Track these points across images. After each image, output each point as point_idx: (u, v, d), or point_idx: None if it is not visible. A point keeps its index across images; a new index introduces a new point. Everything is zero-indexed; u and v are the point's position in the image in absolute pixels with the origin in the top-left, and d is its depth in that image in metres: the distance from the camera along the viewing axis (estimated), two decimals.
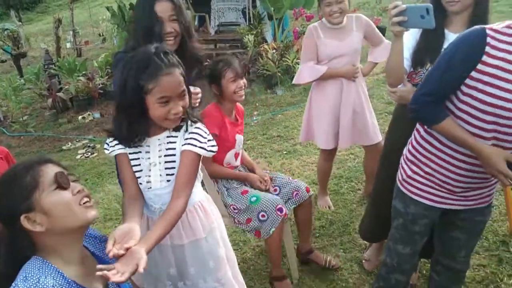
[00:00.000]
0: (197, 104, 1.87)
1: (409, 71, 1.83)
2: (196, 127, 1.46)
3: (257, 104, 5.52)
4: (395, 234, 1.76)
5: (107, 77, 6.46)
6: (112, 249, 1.16)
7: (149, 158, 1.46)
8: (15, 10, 14.80)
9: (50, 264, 1.10)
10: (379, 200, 2.24)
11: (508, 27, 1.29)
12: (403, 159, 1.68)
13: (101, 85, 6.29)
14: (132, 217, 1.37)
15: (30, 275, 1.05)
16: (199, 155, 1.45)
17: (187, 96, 1.41)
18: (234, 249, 1.81)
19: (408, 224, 1.68)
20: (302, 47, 2.74)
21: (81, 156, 4.79)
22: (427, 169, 1.56)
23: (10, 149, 2.71)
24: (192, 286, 1.61)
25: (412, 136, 1.64)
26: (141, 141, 1.45)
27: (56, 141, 5.45)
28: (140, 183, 1.49)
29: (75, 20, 9.79)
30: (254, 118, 5.03)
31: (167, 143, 1.46)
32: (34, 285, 1.03)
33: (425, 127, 1.54)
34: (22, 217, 1.06)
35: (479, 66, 1.29)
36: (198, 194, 1.60)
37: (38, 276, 1.06)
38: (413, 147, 1.61)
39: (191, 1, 7.57)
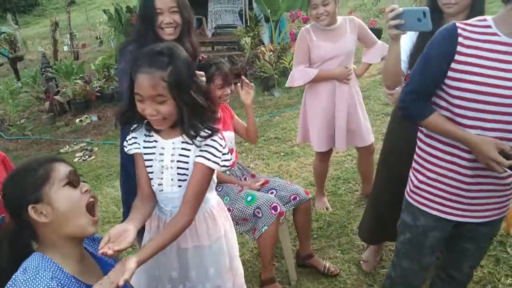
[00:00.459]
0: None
1: (406, 73, 1.84)
2: (212, 139, 1.41)
3: (254, 106, 5.52)
4: (401, 249, 1.71)
5: (104, 80, 6.47)
6: (103, 246, 1.19)
7: (162, 160, 1.46)
8: (12, 13, 14.77)
9: (49, 259, 1.13)
10: (378, 202, 2.25)
11: (478, 20, 1.37)
12: (411, 170, 1.65)
13: (98, 88, 6.29)
14: (133, 219, 1.38)
15: (29, 268, 1.09)
16: (212, 169, 1.43)
17: (169, 104, 1.32)
18: None
19: (417, 238, 1.63)
20: (295, 50, 2.76)
21: (78, 159, 4.79)
22: (432, 175, 1.53)
23: (7, 152, 2.71)
24: None
25: (416, 145, 1.63)
26: (139, 127, 1.46)
27: (53, 144, 5.44)
28: (152, 185, 1.49)
29: (72, 23, 9.80)
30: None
31: (181, 149, 1.44)
32: (33, 276, 1.06)
33: (424, 131, 1.54)
34: (29, 207, 1.11)
35: (457, 57, 1.34)
36: (210, 200, 1.58)
37: (38, 268, 1.08)
38: (417, 155, 1.60)
39: None
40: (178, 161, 1.44)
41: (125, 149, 1.52)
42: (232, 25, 7.97)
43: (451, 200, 1.51)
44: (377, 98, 4.94)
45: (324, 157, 2.93)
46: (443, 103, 1.44)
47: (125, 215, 2.26)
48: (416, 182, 1.59)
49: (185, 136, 1.40)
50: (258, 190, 2.26)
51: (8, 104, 6.11)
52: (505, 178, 1.44)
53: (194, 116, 1.36)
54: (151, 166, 1.48)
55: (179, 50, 1.37)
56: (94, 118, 6.01)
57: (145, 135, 1.49)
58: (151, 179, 1.49)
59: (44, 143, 5.54)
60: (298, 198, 2.26)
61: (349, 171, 3.48)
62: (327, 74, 2.65)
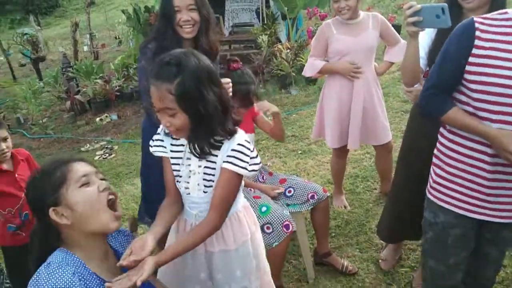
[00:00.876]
0: (230, 94, 1.90)
1: (424, 70, 1.82)
2: (239, 144, 1.35)
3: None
4: (427, 249, 1.70)
5: (123, 79, 6.56)
6: (125, 259, 1.23)
7: (189, 165, 1.44)
8: (34, 15, 15.10)
9: (73, 255, 1.16)
10: (397, 201, 2.23)
11: (498, 13, 1.35)
12: (431, 166, 1.63)
13: (117, 87, 6.39)
14: (156, 226, 1.41)
15: (53, 262, 1.12)
16: (240, 175, 1.39)
17: (179, 116, 1.28)
18: None
19: (438, 236, 1.61)
20: (312, 42, 2.77)
21: (99, 157, 4.88)
22: (452, 170, 1.51)
23: (30, 151, 2.78)
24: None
25: (438, 140, 1.61)
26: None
27: (74, 143, 5.56)
28: (180, 187, 1.49)
29: (91, 24, 9.96)
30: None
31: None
32: (56, 270, 1.09)
33: (447, 126, 1.52)
34: (50, 210, 1.14)
35: (474, 51, 1.33)
36: (237, 203, 1.54)
37: (61, 263, 1.12)
38: (438, 150, 1.59)
39: None
40: (205, 166, 1.42)
41: (150, 149, 1.51)
42: (249, 23, 7.98)
43: (471, 197, 1.49)
44: (396, 95, 4.87)
45: (340, 154, 2.91)
46: (463, 98, 1.42)
47: (146, 210, 2.28)
48: (435, 178, 1.58)
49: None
50: (275, 198, 2.22)
51: (31, 104, 6.26)
52: None
53: (207, 127, 1.31)
54: (179, 170, 1.47)
55: (190, 59, 1.28)
56: (114, 117, 6.10)
57: (172, 137, 1.47)
58: (178, 182, 1.48)
59: (65, 142, 5.66)
60: (316, 197, 2.24)
61: (367, 169, 3.46)
62: (331, 67, 2.65)
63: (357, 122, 2.68)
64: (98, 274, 1.18)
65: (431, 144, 1.63)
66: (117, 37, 10.23)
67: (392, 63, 2.81)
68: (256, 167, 1.40)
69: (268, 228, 2.03)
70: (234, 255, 1.54)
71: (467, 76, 1.37)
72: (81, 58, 7.87)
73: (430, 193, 1.62)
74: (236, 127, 1.39)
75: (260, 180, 2.36)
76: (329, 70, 2.68)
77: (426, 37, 1.78)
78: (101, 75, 6.57)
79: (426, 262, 1.71)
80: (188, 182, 1.45)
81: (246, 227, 1.56)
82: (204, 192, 1.44)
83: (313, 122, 3.11)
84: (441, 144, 1.56)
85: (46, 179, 1.16)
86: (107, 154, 4.92)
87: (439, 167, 1.56)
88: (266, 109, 2.20)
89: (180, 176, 1.47)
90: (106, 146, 5.22)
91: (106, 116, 6.10)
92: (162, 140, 1.49)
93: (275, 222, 2.02)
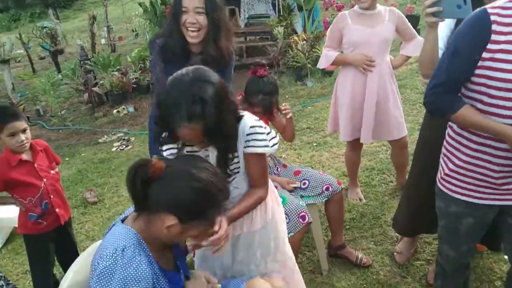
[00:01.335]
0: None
1: None
2: (251, 126, 1.41)
3: (287, 96, 5.51)
4: (441, 234, 1.72)
5: (140, 71, 6.62)
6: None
7: (208, 156, 1.47)
8: (53, 8, 15.33)
9: (143, 242, 1.19)
10: (413, 194, 2.20)
11: (509, 1, 1.25)
12: (441, 157, 1.62)
13: (134, 80, 6.45)
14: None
15: (127, 248, 1.14)
16: (264, 154, 1.48)
17: (205, 141, 1.35)
18: None
19: (451, 224, 1.62)
20: (327, 32, 2.75)
21: (116, 149, 4.95)
22: (461, 163, 1.49)
23: (49, 142, 2.84)
24: (238, 272, 1.66)
25: (446, 132, 1.59)
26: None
27: (92, 134, 5.65)
28: None
29: (109, 17, 10.05)
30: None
31: None
32: (132, 260, 1.12)
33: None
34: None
35: (490, 46, 1.26)
36: None
37: (135, 251, 1.14)
38: (447, 142, 1.57)
39: None
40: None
41: (164, 153, 1.51)
42: (265, 14, 7.94)
43: (483, 186, 1.48)
44: (414, 87, 4.80)
45: (354, 147, 2.89)
46: (476, 95, 1.37)
47: None
48: (446, 170, 1.56)
49: None
50: (291, 191, 2.23)
51: (50, 96, 6.38)
52: None
53: (227, 137, 1.38)
54: None
55: (207, 90, 1.26)
56: (131, 109, 6.17)
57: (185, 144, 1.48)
58: None
59: (83, 133, 5.76)
60: (331, 189, 2.24)
61: (383, 162, 3.42)
62: (343, 58, 2.63)
63: (371, 116, 2.65)
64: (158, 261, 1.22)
65: None
66: (134, 29, 10.32)
67: (409, 57, 2.77)
68: (275, 140, 1.49)
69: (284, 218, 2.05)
70: (258, 235, 1.62)
71: (480, 71, 1.30)
72: (99, 51, 7.97)
73: (441, 184, 1.61)
74: (239, 111, 1.43)
75: (275, 172, 2.36)
76: (342, 61, 2.66)
77: (444, 27, 1.74)
78: (118, 67, 6.65)
79: (441, 247, 1.74)
80: None
81: (269, 207, 1.63)
82: (233, 178, 1.49)
83: (328, 114, 3.09)
84: (450, 136, 1.55)
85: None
86: (124, 146, 4.99)
87: (450, 160, 1.55)
88: (288, 111, 2.26)
89: None
90: (123, 137, 5.29)
91: (123, 108, 6.18)
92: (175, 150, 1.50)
93: (291, 213, 2.03)
